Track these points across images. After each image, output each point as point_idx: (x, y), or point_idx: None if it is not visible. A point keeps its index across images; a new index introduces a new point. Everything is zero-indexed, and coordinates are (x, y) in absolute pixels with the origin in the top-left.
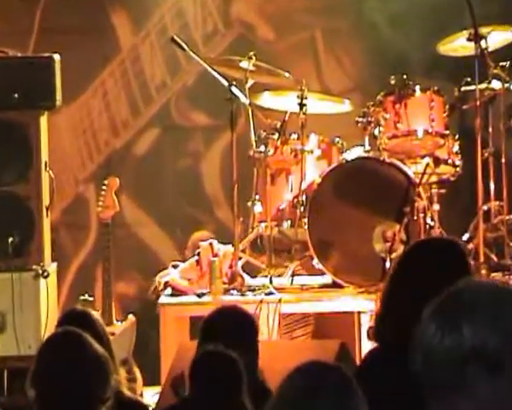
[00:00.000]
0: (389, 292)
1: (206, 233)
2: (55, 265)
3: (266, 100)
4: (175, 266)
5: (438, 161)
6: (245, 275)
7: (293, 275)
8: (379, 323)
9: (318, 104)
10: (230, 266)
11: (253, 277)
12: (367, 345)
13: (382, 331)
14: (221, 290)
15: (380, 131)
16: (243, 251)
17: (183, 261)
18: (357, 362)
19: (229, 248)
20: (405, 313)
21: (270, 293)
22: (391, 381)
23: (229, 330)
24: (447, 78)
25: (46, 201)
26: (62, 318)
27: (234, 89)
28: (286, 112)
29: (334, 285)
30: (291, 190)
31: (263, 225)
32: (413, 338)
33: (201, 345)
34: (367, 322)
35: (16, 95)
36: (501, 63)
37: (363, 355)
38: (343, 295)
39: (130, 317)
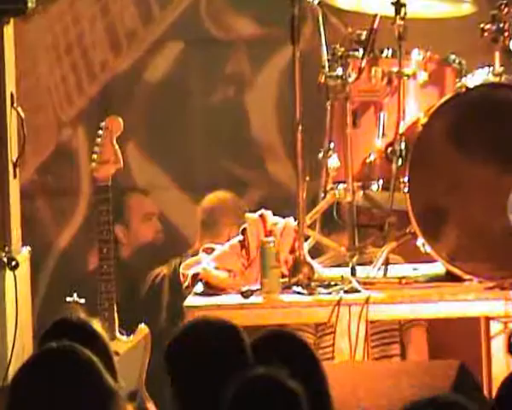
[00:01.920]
0: None
1: (228, 195)
2: (27, 250)
3: None
4: (208, 251)
5: None
6: (314, 263)
7: (386, 263)
8: None
9: (424, 4)
10: (292, 250)
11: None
12: (500, 366)
13: None
14: (278, 287)
15: None
16: (311, 227)
17: (219, 243)
18: (485, 391)
19: (291, 222)
20: None
21: (354, 290)
22: None
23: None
24: None
25: (13, 153)
26: (48, 332)
27: None
28: (375, 16)
29: (450, 277)
30: (383, 135)
31: (341, 187)
32: None
33: None
34: (500, 332)
35: None
36: None
37: (494, 380)
38: (463, 293)
39: (142, 328)
